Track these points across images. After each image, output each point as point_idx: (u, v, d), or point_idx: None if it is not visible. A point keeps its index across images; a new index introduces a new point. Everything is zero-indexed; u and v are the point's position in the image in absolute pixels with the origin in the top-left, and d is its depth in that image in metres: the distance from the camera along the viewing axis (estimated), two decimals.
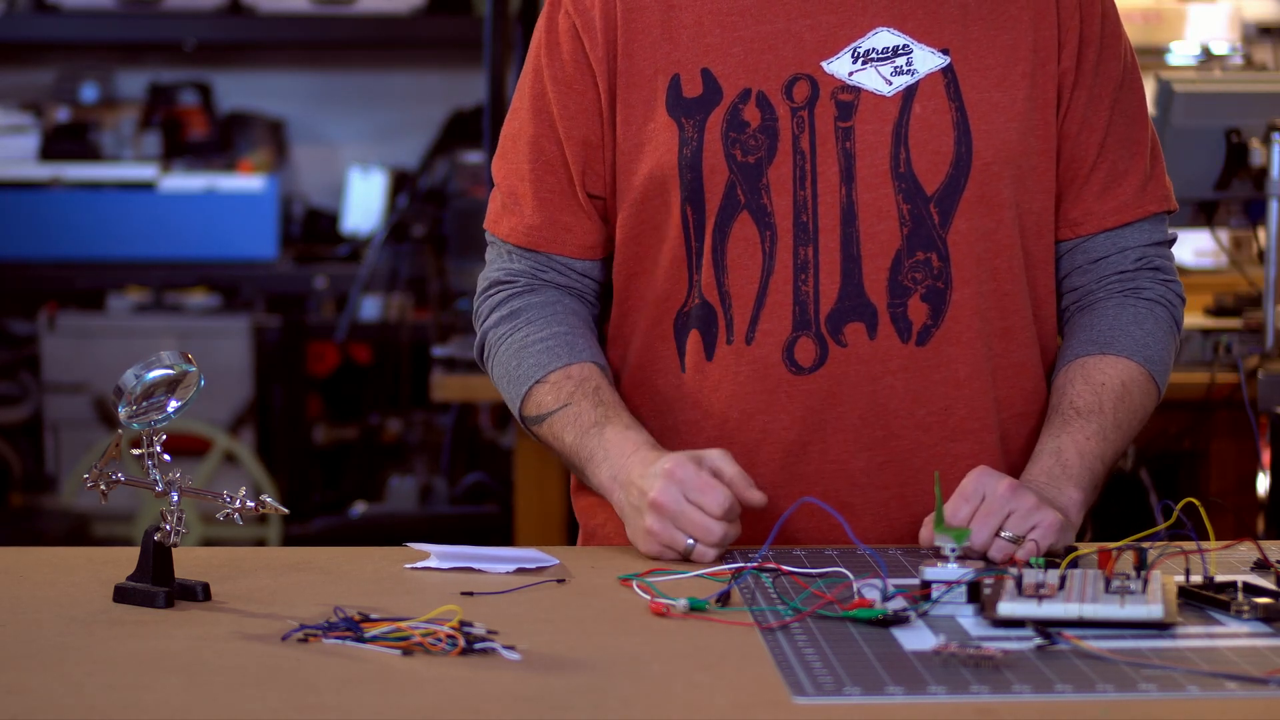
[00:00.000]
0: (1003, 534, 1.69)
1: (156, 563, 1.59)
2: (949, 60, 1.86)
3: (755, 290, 1.85)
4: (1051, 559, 1.62)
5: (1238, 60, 4.26)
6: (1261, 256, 3.22)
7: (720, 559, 1.71)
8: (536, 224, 1.92)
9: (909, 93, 1.85)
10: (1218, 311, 3.42)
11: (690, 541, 1.72)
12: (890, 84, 1.85)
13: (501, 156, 1.95)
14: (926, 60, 1.86)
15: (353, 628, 1.46)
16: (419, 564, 1.73)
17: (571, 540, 2.02)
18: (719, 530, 1.71)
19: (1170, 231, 1.97)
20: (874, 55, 1.85)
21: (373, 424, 5.65)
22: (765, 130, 1.85)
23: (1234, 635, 1.48)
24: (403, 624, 1.46)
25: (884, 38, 1.86)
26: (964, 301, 1.85)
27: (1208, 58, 4.24)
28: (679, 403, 1.89)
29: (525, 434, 1.98)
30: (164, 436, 1.62)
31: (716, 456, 1.75)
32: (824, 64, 1.85)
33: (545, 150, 1.91)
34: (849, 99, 1.85)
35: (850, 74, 1.85)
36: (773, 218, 1.84)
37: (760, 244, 1.84)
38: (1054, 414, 1.86)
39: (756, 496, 1.74)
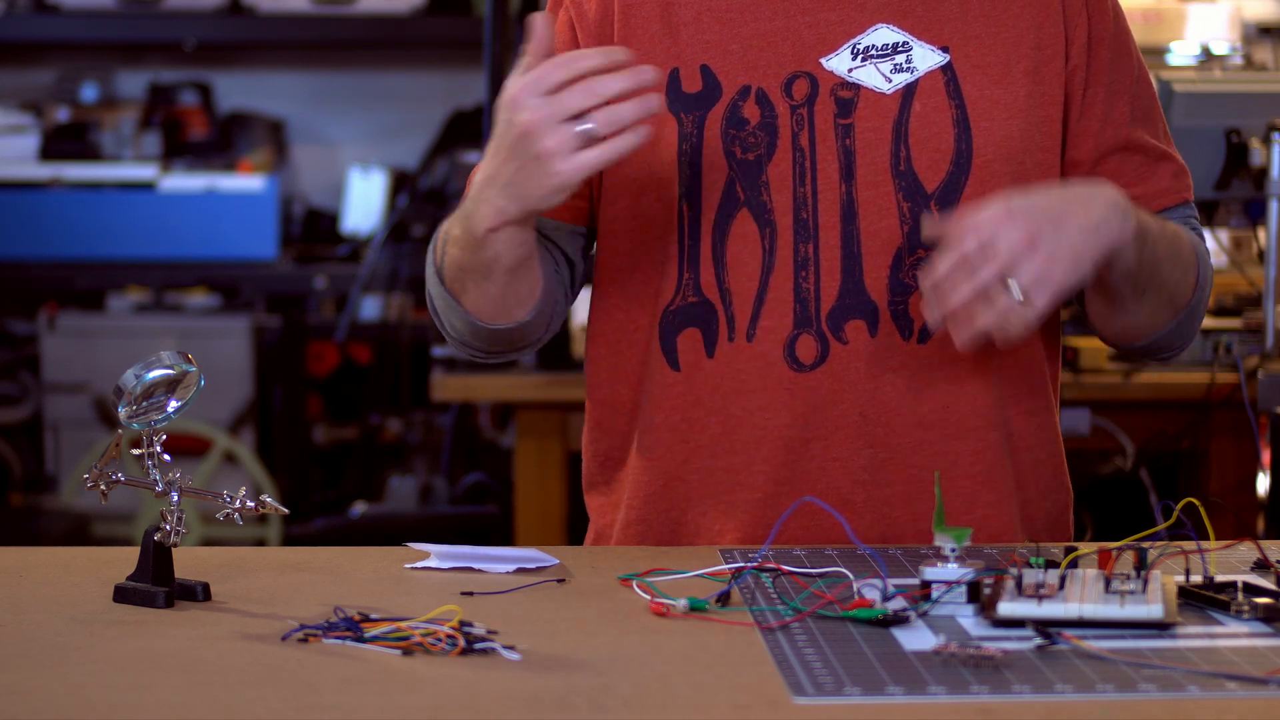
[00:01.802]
0: (1010, 283, 1.63)
1: (156, 563, 1.59)
2: (949, 58, 1.86)
3: (756, 287, 1.85)
4: (1051, 559, 1.62)
5: (1238, 60, 4.27)
6: (1261, 256, 3.22)
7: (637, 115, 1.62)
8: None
9: (909, 90, 1.85)
10: (1218, 311, 3.42)
11: (589, 126, 1.63)
12: (890, 81, 1.85)
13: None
14: (926, 58, 1.86)
15: (353, 628, 1.46)
16: (419, 564, 1.73)
17: (572, 540, 2.03)
18: (609, 84, 1.61)
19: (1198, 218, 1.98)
20: (874, 52, 1.86)
21: (373, 424, 5.65)
22: (765, 127, 1.85)
23: (1234, 635, 1.48)
24: (403, 624, 1.46)
25: (884, 35, 1.86)
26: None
27: (1208, 58, 4.24)
28: (675, 401, 1.89)
29: (459, 343, 1.89)
30: (164, 436, 1.62)
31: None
32: (823, 61, 1.86)
33: None
34: (849, 96, 1.85)
35: (850, 71, 1.85)
36: (772, 214, 1.84)
37: (760, 241, 1.85)
38: None
39: (539, 20, 1.65)
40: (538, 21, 1.66)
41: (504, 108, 1.67)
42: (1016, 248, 1.64)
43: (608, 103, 1.63)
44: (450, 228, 1.82)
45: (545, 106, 1.63)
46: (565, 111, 1.63)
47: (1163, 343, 1.93)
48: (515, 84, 1.66)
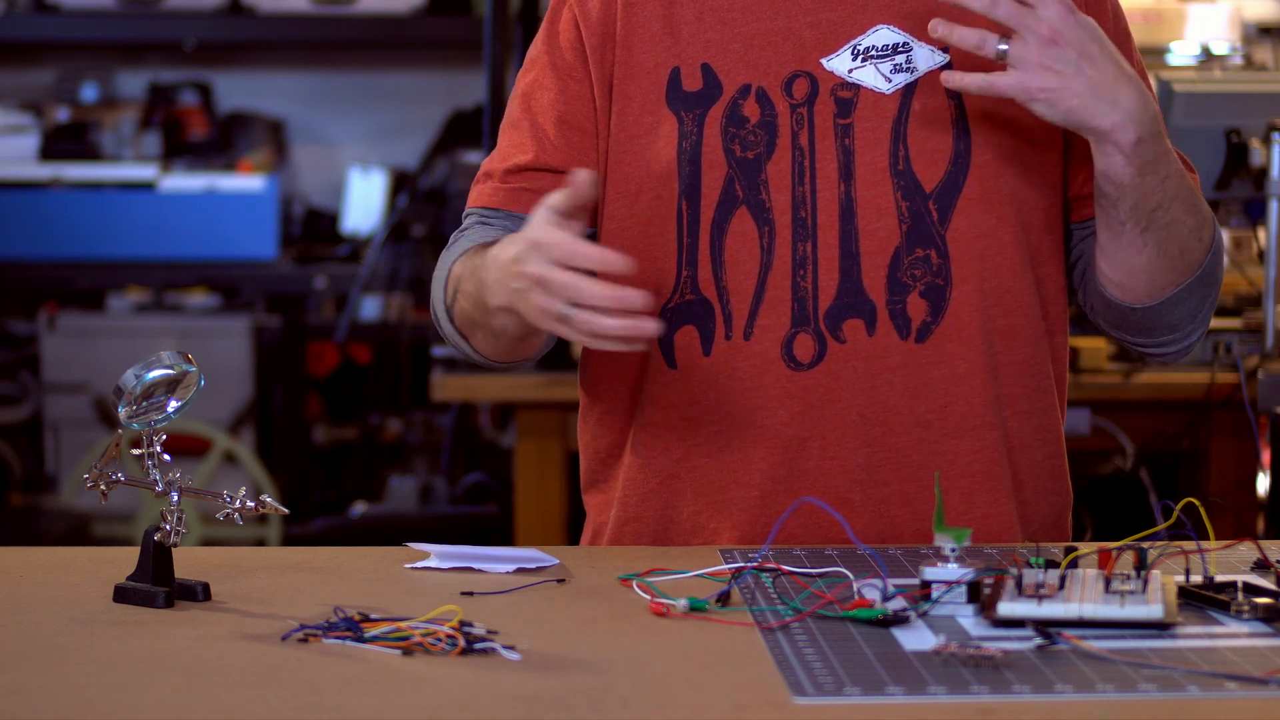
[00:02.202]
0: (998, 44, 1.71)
1: (156, 563, 1.59)
2: (948, 58, 1.86)
3: (753, 286, 1.85)
4: (1051, 559, 1.62)
5: (1238, 60, 4.26)
6: (1261, 256, 3.22)
7: (612, 331, 1.62)
8: (502, 188, 1.92)
9: (908, 90, 1.85)
10: (1218, 311, 3.42)
11: (563, 308, 1.63)
12: (890, 81, 1.86)
13: (495, 149, 1.97)
14: (926, 58, 1.86)
15: (353, 628, 1.46)
16: (419, 564, 1.73)
17: (572, 540, 2.03)
18: (595, 290, 1.62)
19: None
20: (874, 53, 1.86)
21: (373, 424, 5.65)
22: (764, 126, 1.85)
23: (1234, 635, 1.48)
24: (403, 624, 1.46)
25: (884, 35, 1.86)
26: (964, 299, 1.85)
27: (1208, 58, 4.24)
28: (672, 399, 1.89)
29: (474, 355, 1.91)
30: (164, 436, 1.62)
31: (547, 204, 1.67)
32: (824, 61, 1.86)
33: (527, 131, 1.91)
34: (848, 96, 1.85)
35: (850, 71, 1.85)
36: (771, 213, 1.84)
37: (759, 239, 1.85)
38: None
39: (581, 177, 1.66)
40: (580, 176, 1.66)
41: (524, 234, 1.67)
42: (1037, 25, 1.70)
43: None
44: (463, 278, 1.83)
45: (546, 272, 1.63)
46: (554, 291, 1.63)
47: (1172, 314, 1.88)
48: (541, 233, 1.65)
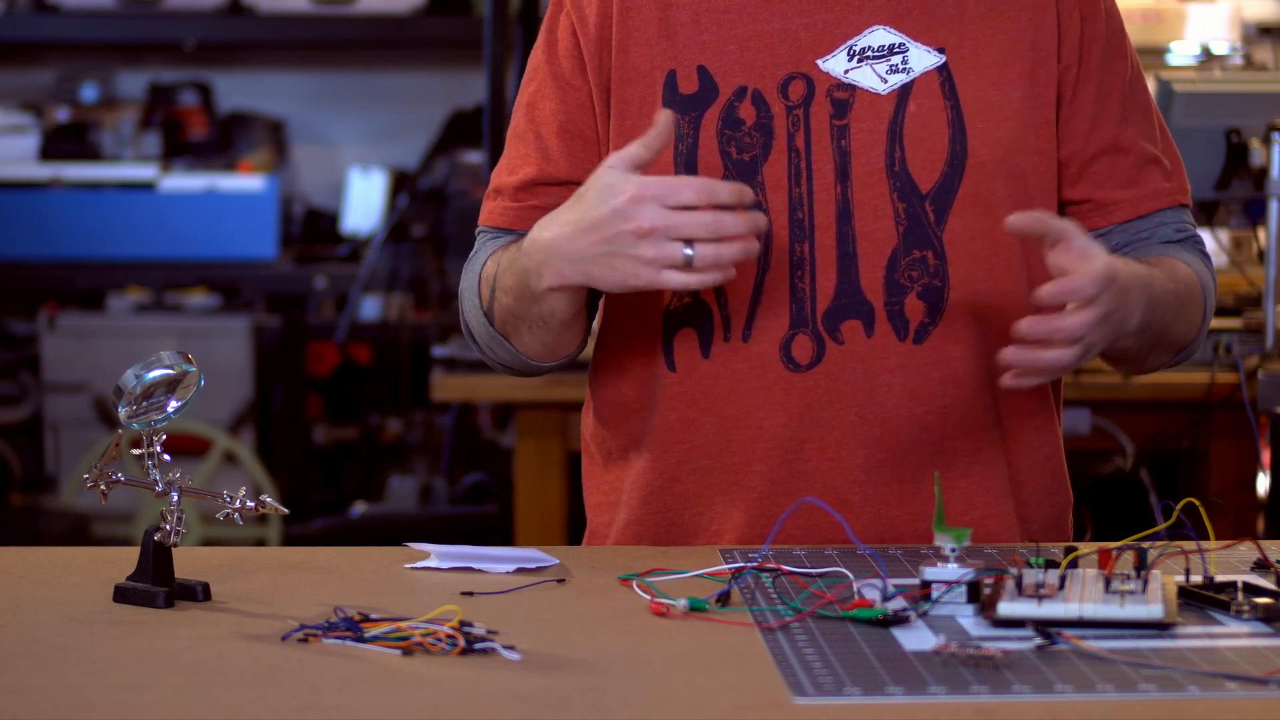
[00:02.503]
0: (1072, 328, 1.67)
1: (156, 563, 1.59)
2: (945, 59, 1.86)
3: (751, 288, 1.85)
4: (1051, 559, 1.62)
5: (1238, 60, 4.27)
6: (1261, 256, 3.22)
7: (731, 259, 1.65)
8: (514, 207, 1.93)
9: (904, 91, 1.85)
10: (1218, 311, 3.42)
11: (687, 251, 1.65)
12: (886, 82, 1.85)
13: (501, 158, 1.97)
14: (922, 59, 1.86)
15: (353, 628, 1.46)
16: (419, 564, 1.73)
17: (572, 540, 2.03)
18: (709, 219, 1.64)
19: (1193, 221, 1.98)
20: (870, 53, 1.86)
21: (373, 424, 5.65)
22: (760, 128, 1.85)
23: (1234, 635, 1.48)
24: (403, 624, 1.46)
25: (880, 36, 1.86)
26: (961, 300, 1.85)
27: (1208, 58, 4.25)
28: (671, 401, 1.89)
29: (508, 365, 1.93)
30: (164, 436, 1.62)
31: (617, 157, 1.69)
32: (819, 62, 1.86)
33: (532, 143, 1.92)
34: (844, 97, 1.85)
35: (846, 72, 1.85)
36: (768, 215, 1.84)
37: (756, 241, 1.84)
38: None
39: (663, 120, 1.68)
40: (662, 118, 1.68)
41: (613, 194, 1.67)
42: (1096, 320, 1.67)
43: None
44: (499, 275, 1.84)
45: (664, 218, 1.65)
46: (680, 232, 1.65)
47: (1165, 366, 1.96)
48: (640, 184, 1.66)
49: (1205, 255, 1.96)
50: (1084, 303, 1.67)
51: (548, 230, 1.75)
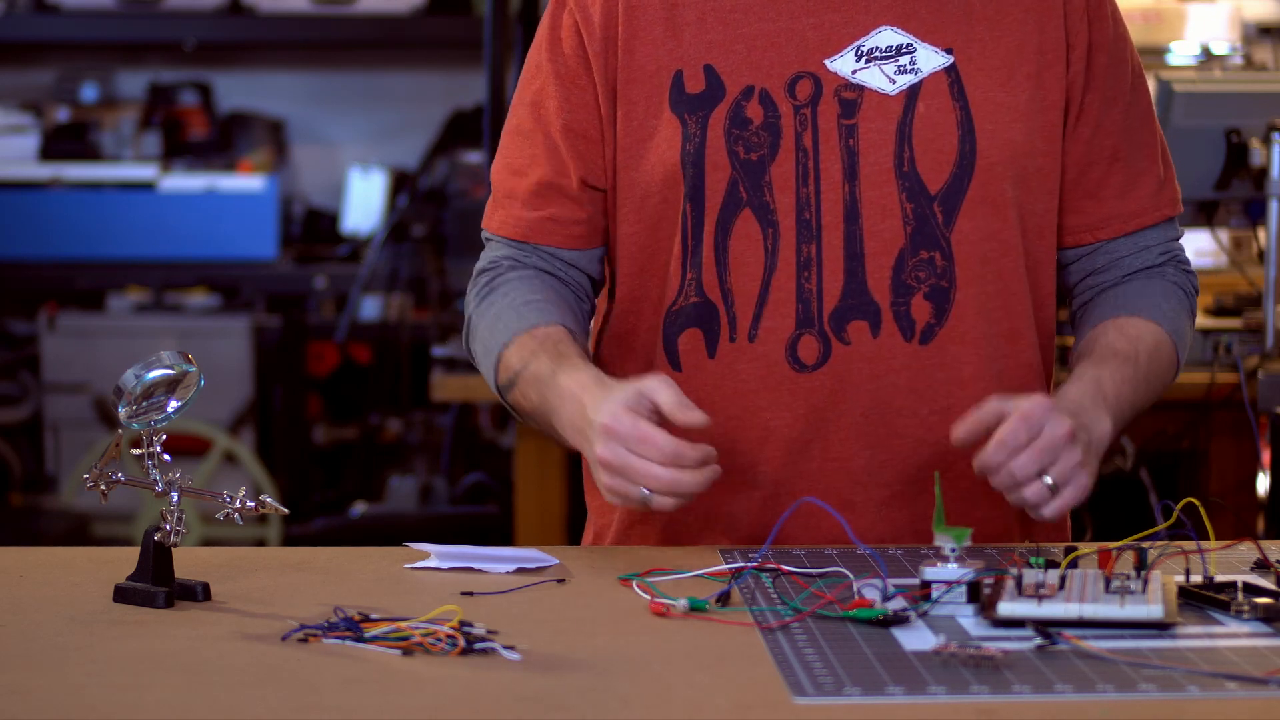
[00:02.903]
0: (1045, 478, 1.68)
1: (156, 563, 1.59)
2: (952, 60, 1.86)
3: (758, 287, 1.85)
4: (1051, 559, 1.62)
5: (1238, 60, 4.27)
6: (1261, 256, 3.22)
7: (685, 499, 1.68)
8: (527, 217, 1.92)
9: (912, 92, 1.85)
10: (1218, 311, 3.42)
11: (645, 491, 1.69)
12: (894, 83, 1.85)
13: (500, 154, 1.96)
14: (930, 59, 1.86)
15: (353, 628, 1.46)
16: (419, 564, 1.73)
17: (572, 540, 2.03)
18: (666, 476, 1.67)
19: (1179, 228, 1.99)
20: (878, 54, 1.86)
21: (373, 424, 5.65)
22: (768, 128, 1.85)
23: (1234, 635, 1.48)
24: (403, 624, 1.46)
25: (887, 36, 1.86)
26: (968, 301, 1.85)
27: (1208, 58, 4.25)
28: None
29: (514, 417, 1.95)
30: (164, 436, 1.62)
31: (653, 387, 1.71)
32: (827, 62, 1.86)
33: (540, 143, 1.91)
34: (852, 97, 1.85)
35: (854, 72, 1.85)
36: (775, 215, 1.84)
37: (763, 241, 1.84)
38: (1089, 354, 1.86)
39: (695, 416, 1.70)
40: (691, 417, 1.70)
41: (601, 413, 1.70)
42: (1060, 440, 1.69)
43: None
44: (523, 380, 1.84)
45: (624, 461, 1.68)
46: (636, 480, 1.68)
47: None
48: (614, 420, 1.69)
49: (1185, 270, 1.97)
50: (1024, 443, 1.69)
51: (569, 406, 1.76)
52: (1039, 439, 1.69)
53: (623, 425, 1.69)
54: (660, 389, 1.70)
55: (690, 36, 1.87)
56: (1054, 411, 1.70)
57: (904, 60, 1.85)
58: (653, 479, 1.68)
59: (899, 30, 1.86)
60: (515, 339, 1.86)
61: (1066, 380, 1.83)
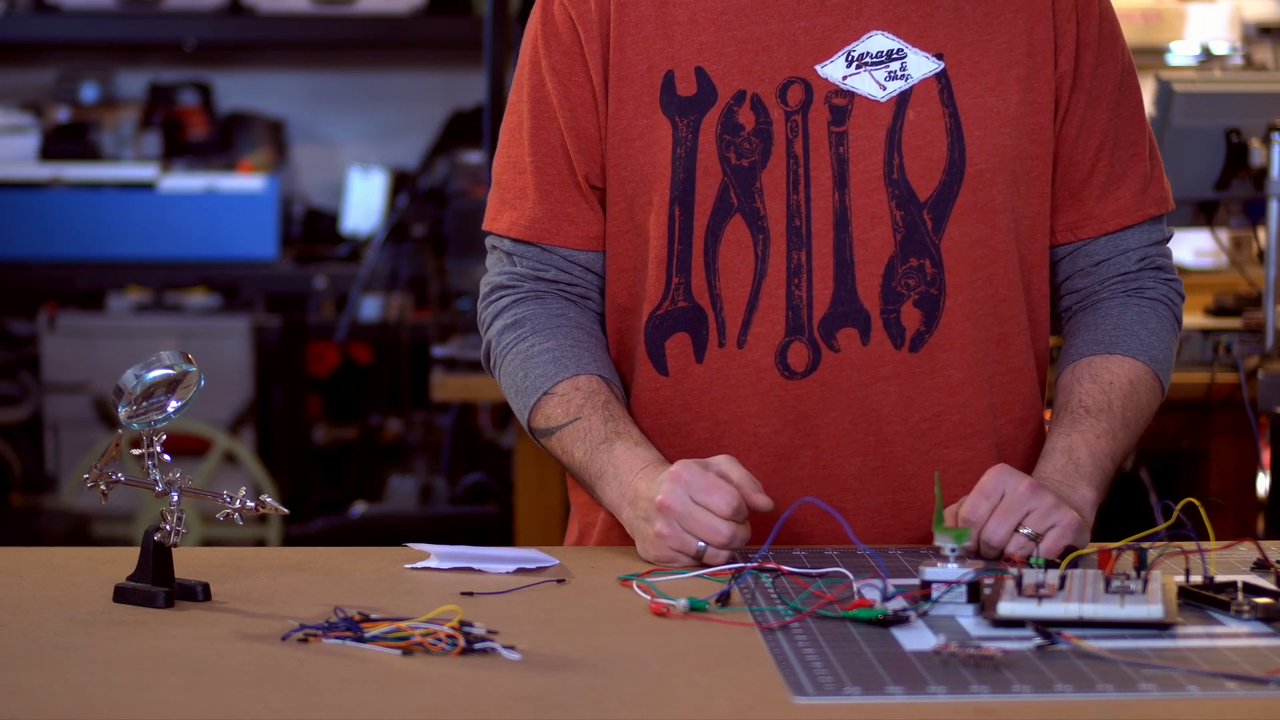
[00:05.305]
0: (1022, 530, 1.69)
1: (156, 563, 1.59)
2: (943, 65, 1.85)
3: (747, 294, 1.84)
4: (1051, 559, 1.62)
5: (1238, 60, 4.26)
6: (1261, 256, 3.22)
7: (731, 560, 1.70)
8: (539, 216, 1.91)
9: (903, 98, 1.84)
10: (1218, 311, 3.42)
11: (700, 544, 1.70)
12: (884, 89, 1.85)
13: (501, 151, 1.94)
14: (920, 65, 1.85)
15: (353, 628, 1.46)
16: (419, 564, 1.73)
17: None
18: (727, 530, 1.69)
19: (1167, 229, 1.97)
20: (868, 59, 1.85)
21: (373, 424, 5.65)
22: (759, 134, 1.84)
23: (1234, 635, 1.48)
24: (403, 624, 1.46)
25: (878, 41, 1.85)
26: (957, 308, 1.85)
27: (1208, 58, 4.24)
28: (663, 405, 1.88)
29: (530, 439, 1.96)
30: (164, 436, 1.62)
31: (723, 462, 1.74)
32: (818, 67, 1.85)
33: (546, 141, 1.90)
34: (843, 103, 1.84)
35: (844, 78, 1.84)
36: (765, 221, 1.84)
37: (753, 247, 1.84)
38: (1063, 412, 1.86)
39: (763, 500, 1.72)
40: (759, 500, 1.73)
41: (660, 497, 1.71)
42: (1022, 494, 1.71)
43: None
44: (569, 442, 1.86)
45: (675, 535, 1.70)
46: (686, 549, 1.70)
47: None
48: (694, 470, 1.72)
49: (1166, 278, 1.95)
50: (989, 513, 1.71)
51: (634, 479, 1.78)
52: (1001, 502, 1.70)
53: (691, 473, 1.71)
54: (730, 465, 1.73)
55: (682, 37, 1.86)
56: (1007, 473, 1.72)
57: (894, 66, 1.85)
58: (710, 530, 1.69)
59: (890, 35, 1.85)
60: (555, 388, 1.87)
61: (1040, 457, 1.84)
